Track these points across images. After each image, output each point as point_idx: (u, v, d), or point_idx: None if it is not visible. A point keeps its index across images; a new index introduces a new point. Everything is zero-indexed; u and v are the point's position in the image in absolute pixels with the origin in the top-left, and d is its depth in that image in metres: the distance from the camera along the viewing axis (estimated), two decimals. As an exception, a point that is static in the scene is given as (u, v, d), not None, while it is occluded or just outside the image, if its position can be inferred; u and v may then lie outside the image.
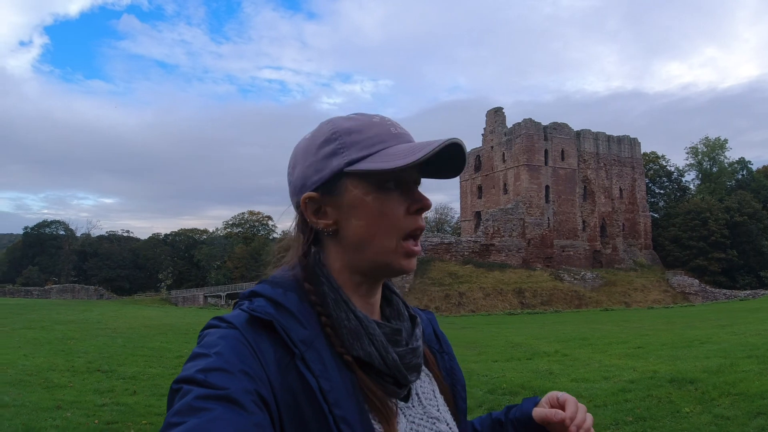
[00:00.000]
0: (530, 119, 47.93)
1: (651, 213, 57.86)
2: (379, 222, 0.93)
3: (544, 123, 49.19)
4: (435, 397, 1.03)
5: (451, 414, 1.04)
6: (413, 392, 0.99)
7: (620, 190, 53.14)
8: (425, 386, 1.03)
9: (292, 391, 0.82)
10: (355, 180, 0.93)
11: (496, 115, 52.11)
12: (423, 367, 1.02)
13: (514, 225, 44.74)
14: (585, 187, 50.73)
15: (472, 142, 54.37)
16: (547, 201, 47.61)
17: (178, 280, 75.24)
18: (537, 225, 45.94)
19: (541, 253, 45.19)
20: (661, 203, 66.38)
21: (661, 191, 68.42)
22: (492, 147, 51.81)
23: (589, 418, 1.05)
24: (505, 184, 49.89)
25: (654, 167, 66.16)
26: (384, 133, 0.95)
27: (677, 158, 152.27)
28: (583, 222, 49.90)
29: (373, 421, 0.86)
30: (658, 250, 54.79)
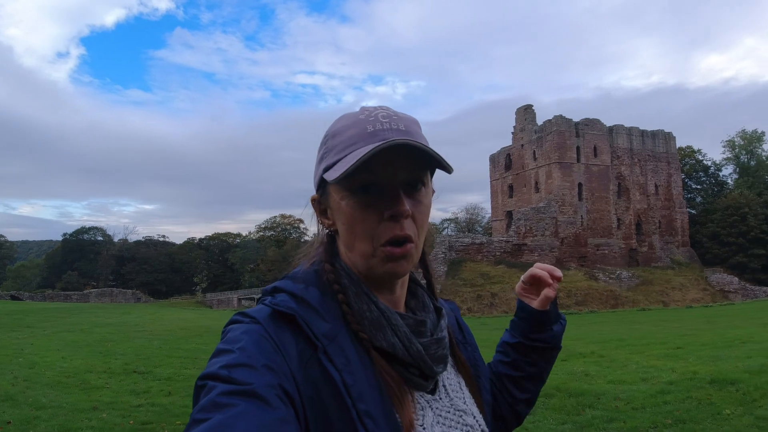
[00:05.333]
0: (561, 116, 46.94)
1: (688, 209, 55.92)
2: (354, 227, 0.91)
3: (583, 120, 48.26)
4: (461, 389, 1.03)
5: (477, 406, 1.04)
6: (440, 384, 0.98)
7: (656, 186, 51.75)
8: (452, 378, 1.02)
9: (315, 385, 0.81)
10: (334, 184, 0.91)
11: (525, 112, 51.40)
12: (449, 359, 1.03)
13: (546, 224, 44.05)
14: (619, 184, 49.54)
15: (505, 141, 53.99)
16: (580, 199, 46.71)
17: (212, 283, 76.46)
18: (570, 224, 45.15)
19: (575, 252, 44.39)
20: (698, 199, 64.11)
21: (698, 187, 66.18)
22: (522, 145, 51.10)
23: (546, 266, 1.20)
24: (536, 183, 49.17)
25: (690, 162, 64.05)
26: (358, 134, 0.90)
27: (715, 153, 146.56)
28: (618, 220, 48.75)
29: (397, 415, 0.85)
30: (696, 248, 53.05)
